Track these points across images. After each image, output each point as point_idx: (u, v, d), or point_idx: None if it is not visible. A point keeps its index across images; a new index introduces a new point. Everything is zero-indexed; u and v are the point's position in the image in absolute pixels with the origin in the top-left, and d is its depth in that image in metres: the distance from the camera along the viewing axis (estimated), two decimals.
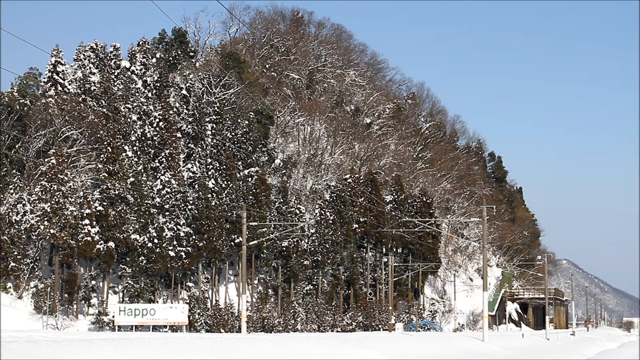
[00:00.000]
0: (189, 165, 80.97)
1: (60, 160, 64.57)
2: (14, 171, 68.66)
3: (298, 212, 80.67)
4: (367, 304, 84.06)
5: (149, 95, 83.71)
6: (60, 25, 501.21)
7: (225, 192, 75.79)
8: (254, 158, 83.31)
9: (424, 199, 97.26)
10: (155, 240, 69.12)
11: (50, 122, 70.53)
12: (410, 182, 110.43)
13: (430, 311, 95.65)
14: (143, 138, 76.80)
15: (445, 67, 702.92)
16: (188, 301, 69.88)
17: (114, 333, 52.09)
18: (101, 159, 71.22)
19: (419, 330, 78.54)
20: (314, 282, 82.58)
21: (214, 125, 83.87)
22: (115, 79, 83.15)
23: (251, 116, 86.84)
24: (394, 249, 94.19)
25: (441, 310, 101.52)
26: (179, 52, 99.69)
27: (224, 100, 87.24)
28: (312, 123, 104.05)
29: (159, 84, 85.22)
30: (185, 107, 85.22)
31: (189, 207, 72.37)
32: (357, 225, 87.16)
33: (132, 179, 70.61)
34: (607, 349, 74.87)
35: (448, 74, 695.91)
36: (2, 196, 64.86)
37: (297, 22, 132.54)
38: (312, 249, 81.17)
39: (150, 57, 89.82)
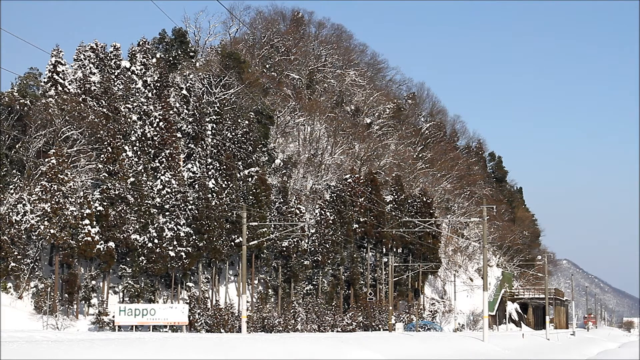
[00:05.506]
0: (189, 165, 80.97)
1: (60, 160, 64.57)
2: (14, 171, 68.67)
3: (298, 212, 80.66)
4: (367, 304, 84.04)
5: (149, 95, 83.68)
6: (60, 25, 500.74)
7: (226, 192, 75.79)
8: (254, 158, 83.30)
9: (424, 199, 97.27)
10: (156, 240, 69.13)
11: (51, 122, 70.53)
12: (410, 182, 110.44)
13: (431, 311, 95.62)
14: (143, 138, 76.79)
15: (445, 67, 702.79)
16: (188, 301, 69.86)
17: (114, 333, 52.10)
18: (101, 159, 71.23)
19: (419, 330, 78.55)
20: (314, 282, 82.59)
21: (214, 125, 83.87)
22: (115, 79, 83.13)
23: (251, 116, 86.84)
24: (394, 249, 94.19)
25: (441, 310, 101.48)
26: (179, 52, 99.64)
27: (224, 100, 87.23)
28: (312, 123, 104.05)
29: (159, 84, 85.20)
30: (185, 107, 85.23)
31: (189, 207, 72.38)
32: (357, 225, 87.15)
33: (132, 179, 70.62)
34: (607, 349, 74.96)
35: (448, 74, 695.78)
36: (2, 196, 64.87)
37: (297, 22, 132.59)
38: (312, 249, 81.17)
39: (150, 57, 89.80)
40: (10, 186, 66.54)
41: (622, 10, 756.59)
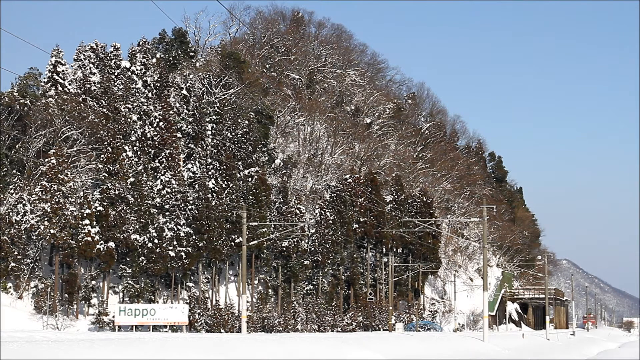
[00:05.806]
0: (189, 165, 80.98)
1: (60, 160, 64.58)
2: (14, 171, 68.67)
3: (298, 212, 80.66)
4: (367, 304, 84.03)
5: (149, 95, 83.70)
6: (60, 25, 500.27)
7: (226, 192, 75.79)
8: (254, 158, 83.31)
9: (424, 199, 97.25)
10: (156, 240, 69.13)
11: (51, 122, 70.54)
12: (410, 182, 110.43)
13: (431, 311, 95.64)
14: (143, 138, 76.80)
15: (445, 67, 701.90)
16: (188, 301, 69.88)
17: (114, 333, 52.11)
18: (101, 159, 71.24)
19: (419, 330, 78.55)
20: (314, 282, 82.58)
21: (214, 125, 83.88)
22: (115, 79, 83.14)
23: (251, 116, 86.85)
24: (394, 249, 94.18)
25: (441, 310, 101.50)
26: (179, 52, 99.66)
27: (224, 100, 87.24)
28: (312, 123, 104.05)
29: (159, 84, 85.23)
30: (185, 107, 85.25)
31: (189, 207, 72.38)
32: (357, 225, 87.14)
33: (132, 179, 70.62)
34: (607, 349, 75.03)
35: (448, 74, 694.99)
36: (2, 196, 64.86)
37: (297, 22, 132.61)
38: (312, 249, 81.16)
39: (150, 57, 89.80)
40: (10, 186, 66.54)
41: (622, 10, 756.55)
